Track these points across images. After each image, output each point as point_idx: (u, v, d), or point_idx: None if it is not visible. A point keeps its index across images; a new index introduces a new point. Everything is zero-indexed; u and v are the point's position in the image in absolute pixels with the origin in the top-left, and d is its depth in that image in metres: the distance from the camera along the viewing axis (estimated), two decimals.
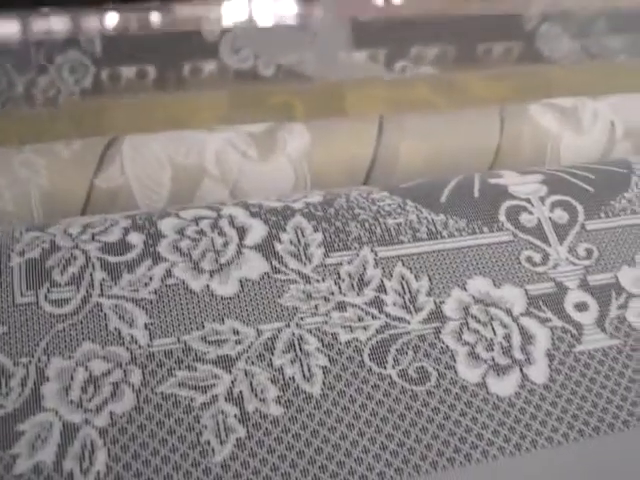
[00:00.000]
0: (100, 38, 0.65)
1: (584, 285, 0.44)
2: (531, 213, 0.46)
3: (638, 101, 0.63)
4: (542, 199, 0.46)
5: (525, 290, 0.43)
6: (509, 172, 0.49)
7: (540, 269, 0.44)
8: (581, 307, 0.43)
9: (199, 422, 0.37)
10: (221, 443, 0.36)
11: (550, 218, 0.46)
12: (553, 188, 0.47)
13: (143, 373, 0.38)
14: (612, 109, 0.61)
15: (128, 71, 0.63)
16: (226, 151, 0.54)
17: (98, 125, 0.59)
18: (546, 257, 0.44)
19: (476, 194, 0.46)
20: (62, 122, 0.58)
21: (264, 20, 0.68)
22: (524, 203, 0.46)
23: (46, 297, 0.39)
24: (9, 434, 0.35)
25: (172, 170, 0.53)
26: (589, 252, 0.45)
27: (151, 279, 0.40)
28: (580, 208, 0.47)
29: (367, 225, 0.44)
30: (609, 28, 0.75)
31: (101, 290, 0.40)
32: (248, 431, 0.37)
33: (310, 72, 0.64)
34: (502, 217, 0.45)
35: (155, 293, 0.40)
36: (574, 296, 0.43)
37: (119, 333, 0.38)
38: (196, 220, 0.42)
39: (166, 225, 0.42)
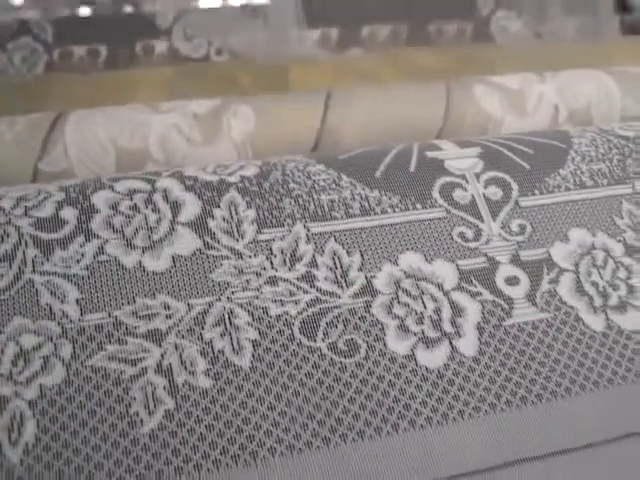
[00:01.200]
0: (52, 23, 0.65)
1: (516, 260, 0.45)
2: (465, 190, 0.46)
3: (584, 82, 0.63)
4: (477, 175, 0.47)
5: (456, 265, 0.44)
6: (449, 143, 0.49)
7: (472, 245, 0.45)
8: (512, 281, 0.44)
9: (128, 394, 0.37)
10: (149, 414, 0.37)
11: (484, 195, 0.47)
12: (489, 164, 0.48)
13: (74, 347, 0.38)
14: (557, 92, 0.62)
15: (80, 50, 0.63)
16: (170, 135, 0.54)
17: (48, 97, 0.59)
18: (479, 233, 0.45)
19: (412, 169, 0.47)
20: (13, 95, 0.58)
21: (216, 3, 0.68)
22: (459, 179, 0.47)
23: None
24: None
25: (116, 154, 0.53)
26: (522, 228, 0.46)
27: (83, 255, 0.40)
28: (515, 185, 0.47)
29: (301, 201, 0.44)
30: (562, 11, 0.76)
31: (33, 267, 0.40)
32: (177, 402, 0.37)
33: (260, 54, 0.65)
34: (436, 194, 0.46)
35: (87, 269, 0.40)
36: (505, 271, 0.44)
37: (50, 308, 0.39)
38: (130, 194, 0.43)
39: (99, 199, 0.42)
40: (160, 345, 0.39)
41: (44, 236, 0.41)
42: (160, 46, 0.63)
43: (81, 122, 0.53)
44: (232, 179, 0.44)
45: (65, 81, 0.57)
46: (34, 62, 0.65)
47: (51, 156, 0.52)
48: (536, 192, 0.47)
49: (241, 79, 0.59)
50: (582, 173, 0.49)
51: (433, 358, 0.41)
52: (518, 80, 0.63)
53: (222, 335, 0.39)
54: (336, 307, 0.41)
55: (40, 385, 0.37)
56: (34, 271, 0.40)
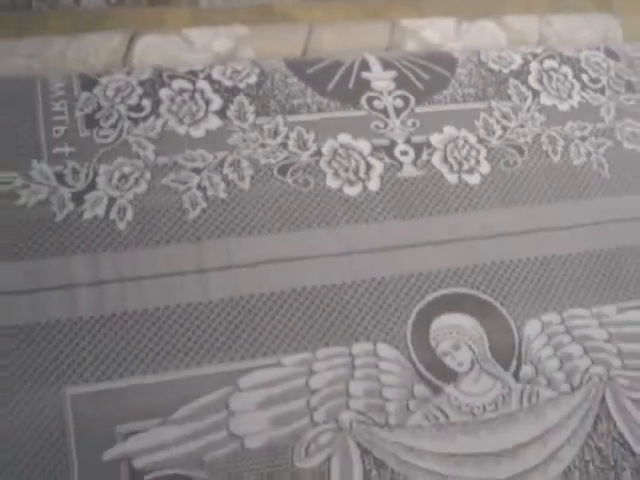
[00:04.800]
0: None
1: (408, 141, 0.75)
2: (381, 100, 0.77)
3: (484, 35, 0.93)
4: (390, 92, 0.78)
5: (371, 142, 0.75)
6: (377, 64, 0.79)
7: (382, 131, 0.76)
8: (404, 153, 0.75)
9: (181, 199, 0.68)
10: (193, 209, 0.68)
11: (393, 104, 0.77)
12: (399, 85, 0.79)
13: (152, 174, 0.69)
14: (462, 48, 0.92)
15: None
16: None
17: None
18: (386, 125, 0.76)
19: (350, 86, 0.78)
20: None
21: None
22: (378, 94, 0.78)
23: (97, 134, 0.70)
24: (78, 204, 0.67)
25: None
26: (414, 123, 0.77)
27: (155, 126, 0.72)
28: (412, 99, 0.78)
29: (281, 103, 0.75)
30: None
31: (128, 131, 0.71)
32: (208, 204, 0.68)
33: None
34: (363, 102, 0.77)
35: (158, 134, 0.71)
36: (401, 147, 0.75)
37: (138, 154, 0.70)
38: (181, 92, 0.74)
39: (163, 94, 0.73)
40: (199, 175, 0.70)
41: (133, 115, 0.72)
42: None
43: (141, 53, 0.83)
44: (241, 85, 0.75)
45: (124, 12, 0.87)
46: None
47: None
48: (426, 104, 0.78)
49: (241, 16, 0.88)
50: (457, 94, 0.80)
51: (352, 190, 0.72)
52: (439, 37, 0.92)
53: (233, 171, 0.70)
54: (299, 161, 0.72)
55: (134, 192, 0.68)
56: (128, 134, 0.71)
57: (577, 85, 0.83)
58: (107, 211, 0.67)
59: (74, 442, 0.58)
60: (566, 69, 0.85)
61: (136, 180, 0.68)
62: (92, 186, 0.68)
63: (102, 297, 0.63)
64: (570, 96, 0.82)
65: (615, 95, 0.83)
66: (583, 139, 0.79)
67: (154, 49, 0.84)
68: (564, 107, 0.81)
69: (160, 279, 0.64)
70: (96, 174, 0.68)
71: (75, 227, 0.65)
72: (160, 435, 0.59)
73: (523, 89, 0.82)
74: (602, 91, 0.83)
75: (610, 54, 0.87)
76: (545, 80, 0.83)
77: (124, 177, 0.68)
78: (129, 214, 0.67)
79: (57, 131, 0.70)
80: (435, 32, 0.92)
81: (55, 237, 0.65)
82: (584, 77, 0.84)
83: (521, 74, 0.83)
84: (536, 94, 0.82)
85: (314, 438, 0.61)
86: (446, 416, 0.63)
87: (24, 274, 0.63)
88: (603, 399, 0.67)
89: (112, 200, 0.67)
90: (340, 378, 0.63)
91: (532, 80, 0.83)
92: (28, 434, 0.58)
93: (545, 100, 0.81)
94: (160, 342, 0.62)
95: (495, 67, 0.83)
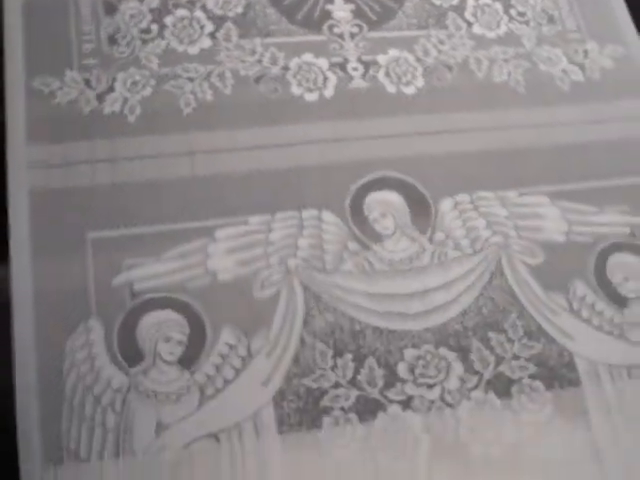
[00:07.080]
0: None
1: (359, 60, 0.95)
2: (339, 28, 0.97)
3: None
4: (347, 21, 0.98)
5: (329, 60, 0.95)
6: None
7: (338, 52, 0.96)
8: (355, 69, 0.95)
9: (178, 101, 0.90)
10: (186, 108, 0.90)
11: (349, 31, 0.97)
12: (356, 16, 0.98)
13: (156, 81, 0.91)
14: None
15: None
16: None
17: None
18: (342, 47, 0.96)
19: (315, 17, 0.98)
20: None
21: None
22: (337, 23, 0.98)
23: (116, 50, 0.92)
24: (100, 102, 0.89)
25: None
26: (365, 46, 0.97)
27: (160, 45, 0.93)
28: (365, 27, 0.98)
29: (260, 29, 0.95)
30: None
31: (139, 49, 0.92)
32: (198, 105, 0.90)
33: None
34: (325, 28, 0.97)
35: (162, 51, 0.93)
36: (353, 64, 0.95)
37: (146, 66, 0.91)
38: (182, 19, 0.95)
39: (168, 20, 0.95)
40: (192, 82, 0.91)
41: (144, 36, 0.93)
42: None
43: None
44: (230, 14, 0.96)
45: None
46: None
47: None
48: (377, 29, 0.98)
49: None
50: (402, 23, 0.99)
51: (311, 97, 0.92)
52: None
53: (219, 80, 0.92)
54: (270, 73, 0.93)
55: (142, 94, 0.90)
56: (140, 51, 0.92)
57: (505, 18, 1.02)
58: (121, 108, 0.88)
59: (92, 272, 0.80)
60: (498, 5, 1.03)
61: (143, 85, 0.90)
62: (111, 89, 0.89)
63: (115, 169, 0.85)
64: (498, 27, 1.01)
65: (538, 26, 1.02)
66: (505, 61, 0.98)
67: None
68: (492, 35, 1.00)
69: (159, 159, 0.86)
70: (114, 80, 0.90)
71: (97, 119, 0.87)
72: (154, 268, 0.81)
73: (459, 21, 1.01)
74: (527, 23, 1.02)
75: None
76: (479, 14, 1.02)
77: (135, 83, 0.90)
78: (138, 110, 0.88)
79: (86, 48, 0.91)
80: None
81: (82, 127, 0.87)
82: (512, 12, 1.03)
83: (458, 9, 1.02)
84: (470, 25, 1.01)
85: (268, 277, 0.82)
86: (371, 265, 0.85)
87: (59, 153, 0.85)
88: (499, 260, 0.87)
89: (125, 100, 0.89)
90: (291, 235, 0.85)
91: (468, 14, 1.02)
92: (56, 266, 0.80)
93: (476, 30, 1.00)
94: (157, 203, 0.84)
95: (437, 2, 1.02)
